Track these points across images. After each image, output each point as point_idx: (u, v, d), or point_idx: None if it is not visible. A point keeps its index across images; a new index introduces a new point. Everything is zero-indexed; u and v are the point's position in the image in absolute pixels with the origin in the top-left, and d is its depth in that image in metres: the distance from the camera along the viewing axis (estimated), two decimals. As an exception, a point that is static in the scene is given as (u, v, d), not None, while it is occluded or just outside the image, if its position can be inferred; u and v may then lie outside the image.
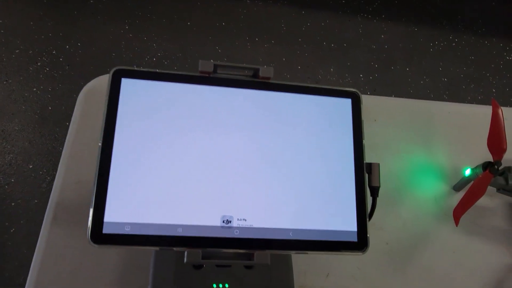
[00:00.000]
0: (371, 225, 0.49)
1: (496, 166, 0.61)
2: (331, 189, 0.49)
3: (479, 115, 0.72)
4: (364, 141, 0.51)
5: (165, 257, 0.51)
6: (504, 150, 0.61)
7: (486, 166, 0.61)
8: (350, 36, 2.06)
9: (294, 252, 0.48)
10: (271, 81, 0.50)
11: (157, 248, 0.46)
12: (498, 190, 0.66)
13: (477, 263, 0.65)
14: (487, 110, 0.66)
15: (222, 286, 0.51)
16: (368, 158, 0.51)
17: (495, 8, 2.30)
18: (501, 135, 0.61)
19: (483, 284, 0.64)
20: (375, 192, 0.51)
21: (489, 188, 0.63)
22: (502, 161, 0.61)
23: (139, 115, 0.46)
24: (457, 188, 0.68)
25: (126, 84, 0.46)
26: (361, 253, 0.48)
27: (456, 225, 0.59)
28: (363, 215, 0.49)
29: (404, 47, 2.08)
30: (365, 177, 0.51)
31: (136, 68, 0.48)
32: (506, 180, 0.62)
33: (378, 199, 0.52)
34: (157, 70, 0.48)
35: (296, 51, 1.91)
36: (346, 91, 0.52)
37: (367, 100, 0.53)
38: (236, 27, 1.95)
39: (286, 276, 0.53)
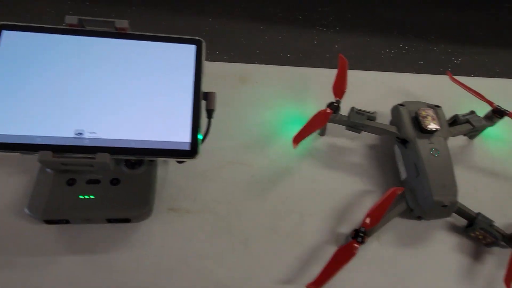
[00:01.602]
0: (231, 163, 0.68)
1: (336, 104, 0.74)
2: (171, 109, 0.63)
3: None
4: (203, 76, 0.66)
5: (45, 177, 0.63)
6: (343, 92, 0.75)
7: (329, 104, 0.74)
8: (305, 47, 2.20)
9: (134, 157, 0.61)
10: (128, 32, 0.64)
11: (19, 153, 0.58)
12: (347, 128, 0.78)
13: (333, 189, 0.76)
14: (357, 73, 0.88)
15: (88, 197, 0.62)
16: (248, 111, 0.74)
17: (444, 17, 2.44)
18: (343, 80, 0.76)
19: (334, 203, 0.75)
20: (210, 114, 0.66)
21: (352, 133, 0.78)
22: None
23: (15, 56, 0.61)
24: (321, 133, 0.82)
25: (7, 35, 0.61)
26: (192, 159, 0.62)
27: (294, 147, 0.70)
28: (196, 130, 0.62)
29: (356, 54, 2.22)
30: (203, 102, 0.65)
31: (16, 23, 0.62)
32: (348, 117, 0.76)
33: (252, 142, 0.75)
34: (35, 24, 0.62)
35: (254, 62, 2.04)
36: (192, 38, 0.67)
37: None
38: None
39: (147, 194, 0.65)
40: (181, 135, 0.62)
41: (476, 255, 0.72)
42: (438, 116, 0.75)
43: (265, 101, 0.86)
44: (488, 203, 0.78)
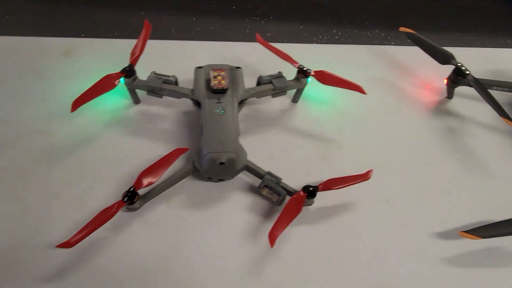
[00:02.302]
0: None
1: (128, 68, 0.74)
2: None
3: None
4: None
5: None
6: (136, 57, 0.77)
7: (122, 69, 0.75)
8: (236, 36, 2.20)
9: None
10: None
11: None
12: (147, 93, 0.79)
13: (133, 154, 0.77)
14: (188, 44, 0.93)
15: None
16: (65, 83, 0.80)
17: (378, 2, 2.44)
18: (138, 45, 0.78)
19: (130, 168, 0.75)
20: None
21: (170, 100, 0.80)
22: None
23: None
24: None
25: None
26: None
27: (71, 111, 0.70)
28: None
29: (288, 42, 2.20)
30: None
31: None
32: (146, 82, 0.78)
33: (59, 112, 0.79)
34: None
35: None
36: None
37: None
38: (127, 36, 2.10)
39: None
40: None
41: (267, 214, 0.71)
42: (233, 77, 0.74)
43: (86, 73, 0.87)
44: (296, 162, 0.78)
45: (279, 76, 0.77)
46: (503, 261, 0.70)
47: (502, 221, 0.68)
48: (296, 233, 0.69)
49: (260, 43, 0.82)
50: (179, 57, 0.95)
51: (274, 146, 0.78)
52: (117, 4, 2.27)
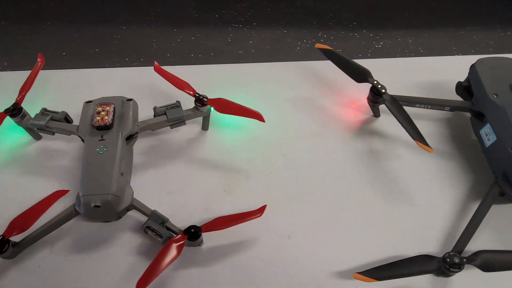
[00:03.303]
0: None
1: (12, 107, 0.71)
2: None
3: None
4: None
5: None
6: (22, 93, 0.76)
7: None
8: (218, 45, 2.17)
9: None
10: None
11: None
12: (37, 130, 0.78)
13: (23, 196, 0.73)
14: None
15: None
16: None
17: (365, 2, 2.37)
18: (28, 81, 0.77)
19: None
20: None
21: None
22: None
23: None
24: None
25: None
26: None
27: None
28: None
29: (271, 48, 2.16)
30: None
31: None
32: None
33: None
34: None
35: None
36: None
37: None
38: (108, 51, 2.10)
39: None
40: None
41: (151, 255, 0.66)
42: (122, 110, 0.71)
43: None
44: (196, 197, 0.75)
45: (175, 106, 0.73)
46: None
47: (398, 261, 0.62)
48: (183, 277, 0.65)
49: (157, 71, 0.78)
50: (90, 85, 0.92)
51: (175, 180, 0.74)
52: (95, 19, 2.27)
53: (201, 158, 0.77)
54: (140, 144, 0.78)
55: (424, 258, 0.63)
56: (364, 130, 0.83)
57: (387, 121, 0.86)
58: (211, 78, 0.88)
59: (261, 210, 0.64)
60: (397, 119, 0.75)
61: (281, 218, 0.71)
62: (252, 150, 0.78)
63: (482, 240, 0.68)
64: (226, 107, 0.72)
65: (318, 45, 0.88)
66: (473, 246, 0.66)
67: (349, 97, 0.90)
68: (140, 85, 0.89)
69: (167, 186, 0.74)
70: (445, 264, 0.62)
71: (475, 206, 0.69)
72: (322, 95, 0.90)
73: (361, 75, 0.81)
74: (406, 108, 0.77)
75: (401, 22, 2.44)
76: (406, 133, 0.75)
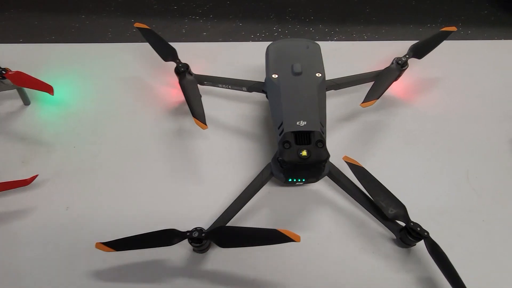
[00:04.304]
0: None
1: None
2: None
3: None
4: None
5: None
6: None
7: None
8: (171, 37, 2.19)
9: None
10: None
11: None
12: None
13: None
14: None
15: None
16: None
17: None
18: None
19: None
20: None
21: None
22: None
23: None
24: None
25: None
26: None
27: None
28: None
29: (224, 40, 2.17)
30: None
31: None
32: None
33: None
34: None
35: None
36: None
37: None
38: (65, 40, 2.15)
39: None
40: None
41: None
42: None
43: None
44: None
45: None
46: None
47: (144, 234, 0.63)
48: None
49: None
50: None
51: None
52: (56, 8, 2.33)
53: (13, 131, 0.78)
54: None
55: (168, 232, 0.63)
56: (180, 109, 0.84)
57: (209, 102, 0.86)
58: (50, 59, 0.89)
59: (30, 179, 0.65)
60: (184, 94, 0.75)
61: (62, 190, 0.72)
62: (64, 125, 0.79)
63: (259, 218, 0.68)
64: (23, 80, 0.74)
65: (137, 24, 0.89)
66: (249, 223, 0.70)
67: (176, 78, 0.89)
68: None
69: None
70: (188, 238, 0.65)
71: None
72: (153, 75, 0.90)
73: (167, 53, 0.81)
74: (211, 88, 0.77)
75: (360, 18, 2.40)
76: (219, 113, 0.76)
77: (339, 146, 0.85)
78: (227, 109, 0.88)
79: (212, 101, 0.88)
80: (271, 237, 0.63)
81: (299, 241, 0.60)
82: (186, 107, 0.87)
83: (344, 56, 1.02)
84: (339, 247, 0.73)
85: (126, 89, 0.90)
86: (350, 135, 0.86)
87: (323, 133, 0.73)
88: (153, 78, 0.91)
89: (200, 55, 0.97)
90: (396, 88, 0.93)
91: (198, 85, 0.87)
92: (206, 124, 0.75)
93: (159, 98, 0.89)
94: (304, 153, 0.68)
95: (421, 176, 0.83)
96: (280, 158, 0.70)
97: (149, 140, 0.81)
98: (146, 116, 0.85)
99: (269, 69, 0.79)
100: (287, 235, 0.61)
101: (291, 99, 0.75)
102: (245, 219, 0.74)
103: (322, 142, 0.71)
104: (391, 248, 0.74)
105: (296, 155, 0.69)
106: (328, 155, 0.70)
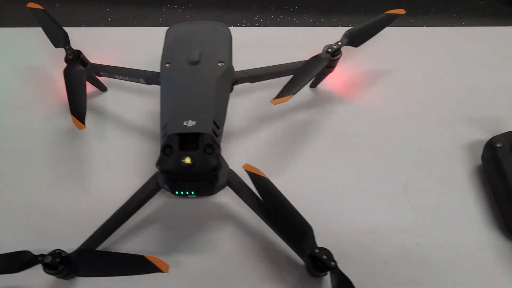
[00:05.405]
0: None
1: None
2: None
3: None
4: None
5: None
6: None
7: None
8: (148, 25, 2.09)
9: None
10: None
11: None
12: None
13: None
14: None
15: None
16: None
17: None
18: None
19: None
20: None
21: None
22: None
23: None
24: None
25: None
26: None
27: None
28: None
29: (204, 30, 2.06)
30: None
31: None
32: None
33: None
34: None
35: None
36: None
37: None
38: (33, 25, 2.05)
39: None
40: None
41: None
42: None
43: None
44: None
45: None
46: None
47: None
48: None
49: None
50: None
51: None
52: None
53: None
54: None
55: (16, 256, 0.52)
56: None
57: (113, 96, 0.74)
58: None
59: None
60: (66, 86, 0.64)
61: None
62: None
63: (146, 237, 0.57)
64: None
65: (30, 4, 0.77)
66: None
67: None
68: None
69: None
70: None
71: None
72: (58, 65, 0.79)
73: (58, 39, 0.70)
74: (109, 79, 0.67)
75: (347, 8, 2.27)
76: (123, 110, 0.65)
77: (255, 151, 0.72)
78: (133, 105, 0.76)
79: (118, 95, 0.75)
80: (136, 265, 0.51)
81: (166, 271, 0.49)
82: (94, 101, 0.76)
83: (281, 44, 0.88)
84: (237, 273, 0.61)
85: (24, 79, 0.79)
86: (272, 137, 0.73)
87: (216, 136, 0.60)
88: (57, 69, 0.79)
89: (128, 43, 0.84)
90: (334, 82, 0.80)
91: (97, 76, 0.75)
92: (84, 124, 0.63)
93: (58, 92, 0.77)
94: (187, 160, 0.56)
95: (350, 187, 0.70)
96: (159, 167, 0.58)
97: (36, 140, 0.70)
98: (40, 110, 0.74)
99: (162, 57, 0.67)
100: (154, 263, 0.49)
101: (182, 94, 0.62)
102: (128, 238, 0.62)
103: (212, 147, 0.58)
104: (300, 278, 0.61)
105: (177, 163, 0.57)
106: (218, 163, 0.58)
